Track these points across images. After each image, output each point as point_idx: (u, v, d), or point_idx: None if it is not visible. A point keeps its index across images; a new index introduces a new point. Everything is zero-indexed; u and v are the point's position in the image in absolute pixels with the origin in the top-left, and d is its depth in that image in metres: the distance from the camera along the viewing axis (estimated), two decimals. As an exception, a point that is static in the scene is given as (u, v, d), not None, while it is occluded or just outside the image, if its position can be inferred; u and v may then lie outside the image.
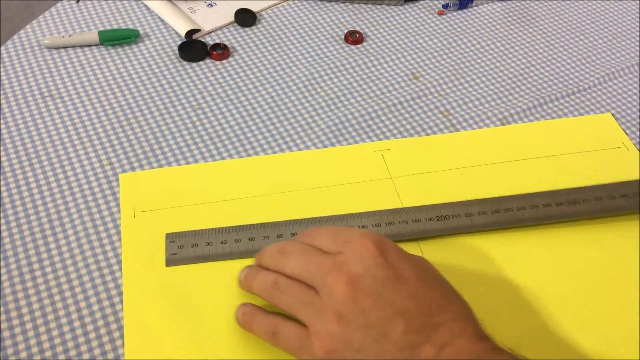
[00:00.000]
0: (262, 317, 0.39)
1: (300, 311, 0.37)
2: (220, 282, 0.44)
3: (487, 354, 0.35)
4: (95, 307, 0.43)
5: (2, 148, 0.52)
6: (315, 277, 0.37)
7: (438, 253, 0.46)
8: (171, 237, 0.46)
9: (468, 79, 0.60)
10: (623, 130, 0.56)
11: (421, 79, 0.60)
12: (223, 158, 0.52)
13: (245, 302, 0.41)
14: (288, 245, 0.40)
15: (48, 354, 0.40)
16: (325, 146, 0.53)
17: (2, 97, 0.56)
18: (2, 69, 0.58)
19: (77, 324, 0.42)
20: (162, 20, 0.64)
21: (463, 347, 0.35)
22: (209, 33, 0.63)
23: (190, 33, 0.61)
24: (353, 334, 0.35)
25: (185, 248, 0.45)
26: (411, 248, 0.44)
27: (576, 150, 0.54)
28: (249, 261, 0.43)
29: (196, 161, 0.52)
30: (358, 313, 0.35)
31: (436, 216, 0.47)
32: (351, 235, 0.39)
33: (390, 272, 0.37)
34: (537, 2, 0.69)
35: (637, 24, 0.67)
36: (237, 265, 0.44)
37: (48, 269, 0.44)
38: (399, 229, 0.46)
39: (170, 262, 0.45)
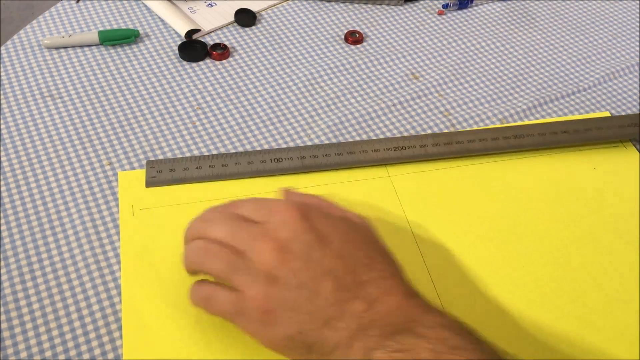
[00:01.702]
0: (196, 285, 0.40)
1: (233, 276, 0.38)
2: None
3: (417, 310, 0.36)
4: (95, 307, 0.43)
5: (2, 148, 0.52)
6: (243, 243, 0.38)
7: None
8: (151, 164, 0.50)
9: (468, 79, 0.60)
10: (623, 130, 0.56)
11: (421, 79, 0.60)
12: (223, 158, 0.52)
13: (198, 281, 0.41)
14: (209, 213, 0.41)
15: (48, 354, 0.40)
16: (325, 146, 0.53)
17: (2, 97, 0.56)
18: (2, 69, 0.58)
19: (77, 324, 0.42)
20: (162, 20, 0.64)
21: (393, 303, 0.36)
22: (209, 33, 0.63)
23: (190, 33, 0.61)
24: (287, 294, 0.36)
25: (164, 172, 0.49)
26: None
27: (574, 148, 0.54)
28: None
29: (196, 161, 0.52)
30: (289, 274, 0.37)
31: (394, 147, 0.51)
32: (276, 204, 0.40)
33: (315, 235, 0.38)
34: (537, 2, 0.69)
35: (637, 24, 0.67)
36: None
37: (48, 269, 0.44)
38: (359, 157, 0.51)
39: (149, 184, 0.49)
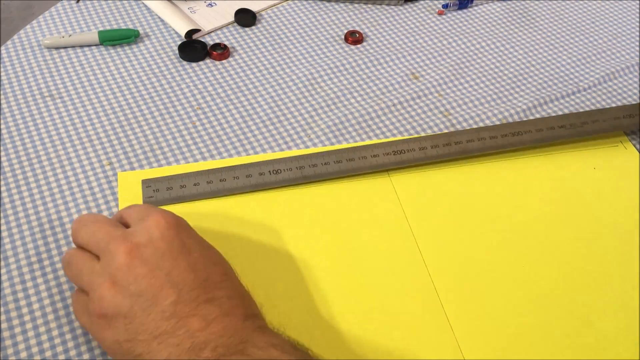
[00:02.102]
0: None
1: (82, 279, 0.38)
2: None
3: (251, 332, 0.36)
4: (95, 307, 0.43)
5: (2, 148, 0.52)
6: (100, 245, 0.38)
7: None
8: (147, 183, 0.48)
9: (468, 79, 0.60)
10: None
11: (421, 79, 0.60)
12: (223, 158, 0.52)
13: None
14: (85, 216, 0.41)
15: (48, 354, 0.40)
16: (325, 146, 0.53)
17: (2, 97, 0.56)
18: (2, 69, 0.58)
19: (77, 324, 0.42)
20: (162, 20, 0.64)
21: (229, 324, 0.36)
22: (209, 33, 0.63)
23: (190, 33, 0.61)
24: (123, 300, 0.36)
25: (161, 191, 0.48)
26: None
27: (574, 148, 0.54)
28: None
29: (196, 161, 0.52)
30: (131, 280, 0.36)
31: (393, 151, 0.51)
32: (151, 211, 0.39)
33: (175, 246, 0.37)
34: (537, 2, 0.69)
35: (637, 24, 0.67)
36: (236, 264, 0.45)
37: (48, 269, 0.44)
38: (359, 164, 0.50)
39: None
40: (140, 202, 0.48)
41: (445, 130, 0.55)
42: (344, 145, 0.53)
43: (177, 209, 0.48)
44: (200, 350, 0.34)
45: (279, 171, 0.49)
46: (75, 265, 0.39)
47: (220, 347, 0.34)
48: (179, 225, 0.39)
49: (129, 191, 0.49)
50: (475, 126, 0.56)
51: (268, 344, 0.35)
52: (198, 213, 0.47)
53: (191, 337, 0.35)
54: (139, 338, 0.35)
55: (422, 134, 0.55)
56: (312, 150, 0.53)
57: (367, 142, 0.53)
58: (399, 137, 0.54)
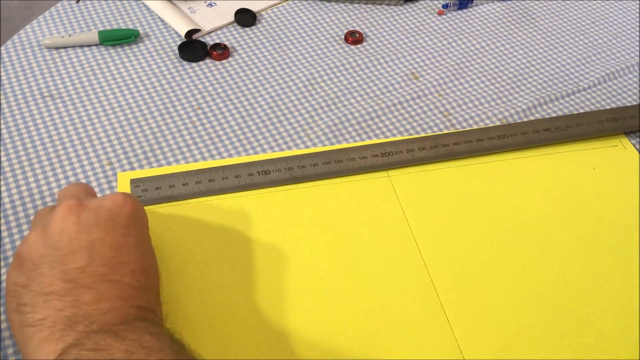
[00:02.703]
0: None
1: (33, 221, 0.40)
2: (222, 279, 0.44)
3: (131, 317, 0.35)
4: (95, 307, 0.43)
5: (2, 148, 0.52)
6: (60, 199, 0.41)
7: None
8: (135, 182, 0.48)
9: (468, 79, 0.60)
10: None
11: (421, 79, 0.60)
12: (223, 158, 0.52)
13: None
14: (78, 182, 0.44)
15: (48, 353, 0.40)
16: (325, 146, 0.53)
17: (2, 97, 0.56)
18: (2, 69, 0.58)
19: (77, 324, 0.42)
20: (162, 20, 0.64)
21: (118, 306, 0.35)
22: (209, 33, 0.63)
23: (190, 33, 0.61)
24: (40, 248, 0.36)
25: (149, 191, 0.48)
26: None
27: (573, 148, 0.54)
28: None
29: (196, 161, 0.52)
30: (56, 232, 0.37)
31: (381, 153, 0.51)
32: (121, 192, 0.42)
33: (115, 222, 0.38)
34: (537, 2, 0.69)
35: (637, 24, 0.67)
36: (236, 264, 0.45)
37: (48, 269, 0.44)
38: (347, 165, 0.50)
39: None
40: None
41: (446, 130, 0.55)
42: (334, 146, 0.53)
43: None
44: (75, 324, 0.34)
45: (268, 172, 0.50)
46: (43, 210, 0.41)
47: (95, 324, 0.34)
48: (134, 214, 0.39)
49: (128, 191, 0.49)
50: (475, 126, 0.56)
51: (143, 329, 0.34)
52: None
53: (75, 307, 0.34)
54: (32, 287, 0.35)
55: (422, 134, 0.55)
56: (302, 151, 0.52)
57: (357, 143, 0.53)
58: (390, 139, 0.54)
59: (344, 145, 0.53)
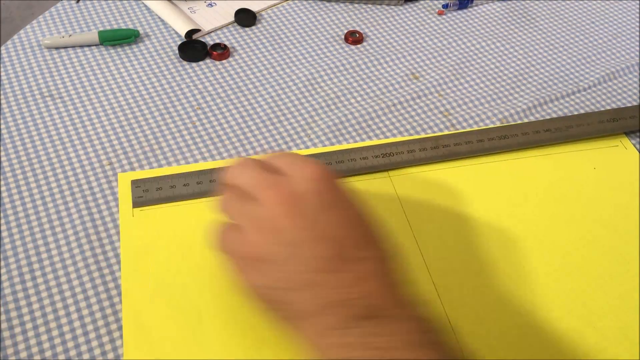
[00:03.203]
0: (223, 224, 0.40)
1: (238, 217, 0.38)
2: (221, 280, 0.44)
3: (391, 301, 0.36)
4: (95, 307, 0.43)
5: (2, 148, 0.52)
6: (258, 189, 0.38)
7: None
8: (136, 183, 0.48)
9: (468, 79, 0.60)
10: (623, 130, 0.56)
11: (421, 79, 0.60)
12: (223, 158, 0.52)
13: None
14: (241, 161, 0.40)
15: (48, 354, 0.40)
16: (325, 146, 0.53)
17: (2, 97, 0.56)
18: (2, 69, 0.58)
19: (77, 324, 0.42)
20: (162, 20, 0.64)
21: (373, 287, 0.36)
22: (209, 33, 0.63)
23: (190, 33, 0.61)
24: (279, 248, 0.36)
25: (150, 192, 0.48)
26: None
27: (574, 148, 0.54)
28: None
29: (196, 161, 0.52)
30: (290, 229, 0.36)
31: (381, 154, 0.51)
32: (307, 161, 0.39)
33: (331, 200, 0.37)
34: (537, 2, 0.69)
35: (637, 24, 0.67)
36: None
37: (48, 269, 0.44)
38: (348, 166, 0.50)
39: (136, 204, 0.47)
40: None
41: (446, 131, 0.55)
42: (334, 147, 0.53)
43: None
44: (340, 307, 0.35)
45: None
46: (231, 206, 0.39)
47: (357, 308, 0.35)
48: (332, 179, 0.39)
49: (128, 192, 0.49)
50: (475, 126, 0.56)
51: (404, 317, 0.35)
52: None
53: (338, 292, 0.35)
54: (289, 286, 0.36)
55: (422, 135, 0.55)
56: (303, 151, 0.52)
57: (357, 144, 0.53)
58: (390, 140, 0.54)
59: (345, 145, 0.53)
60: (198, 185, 0.49)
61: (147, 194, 0.48)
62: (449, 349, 0.36)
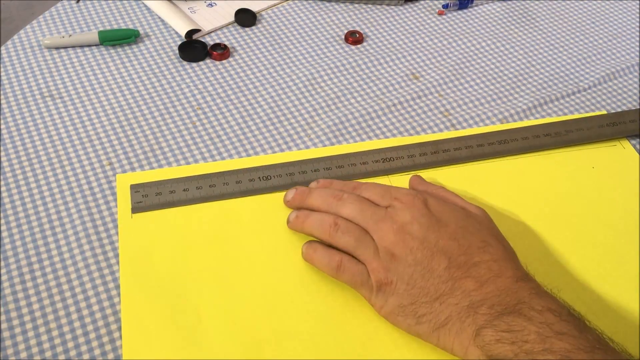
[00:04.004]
0: (324, 251, 0.44)
1: (357, 249, 0.42)
2: (220, 281, 0.44)
3: (527, 294, 0.38)
4: (95, 307, 0.43)
5: (2, 148, 0.52)
6: (370, 223, 0.43)
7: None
8: (136, 188, 0.48)
9: (468, 79, 0.60)
10: (623, 130, 0.56)
11: (421, 79, 0.60)
12: (223, 158, 0.52)
13: (309, 240, 0.45)
14: (343, 194, 0.45)
15: (48, 354, 0.40)
16: (325, 146, 0.53)
17: (2, 97, 0.56)
18: (2, 69, 0.58)
19: (77, 324, 0.42)
20: (162, 20, 0.64)
21: (502, 285, 0.39)
22: (209, 33, 0.63)
23: (190, 33, 0.61)
24: (404, 269, 0.40)
25: (150, 197, 0.48)
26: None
27: (573, 147, 0.54)
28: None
29: (196, 161, 0.52)
30: (407, 252, 0.41)
31: (381, 159, 0.51)
32: (398, 192, 0.44)
33: (433, 219, 0.42)
34: (537, 2, 0.69)
35: (637, 24, 0.67)
36: (235, 265, 0.45)
37: (48, 269, 0.44)
38: (348, 171, 0.51)
39: (135, 210, 0.47)
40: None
41: (446, 131, 0.55)
42: (335, 147, 0.53)
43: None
44: (478, 307, 0.38)
45: (269, 177, 0.49)
46: (349, 234, 0.43)
47: (497, 305, 0.38)
48: (429, 199, 0.44)
49: (127, 193, 0.49)
50: (475, 126, 0.56)
51: (545, 307, 0.37)
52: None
53: (468, 296, 0.39)
54: (421, 300, 0.40)
55: (422, 135, 0.55)
56: (303, 154, 0.52)
57: (358, 145, 0.53)
58: (390, 142, 0.53)
59: (345, 146, 0.53)
60: (198, 190, 0.48)
61: (147, 199, 0.48)
62: (596, 335, 0.37)
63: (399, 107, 0.57)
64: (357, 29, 0.64)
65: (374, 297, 0.42)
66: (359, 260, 0.42)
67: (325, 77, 0.59)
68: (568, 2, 0.69)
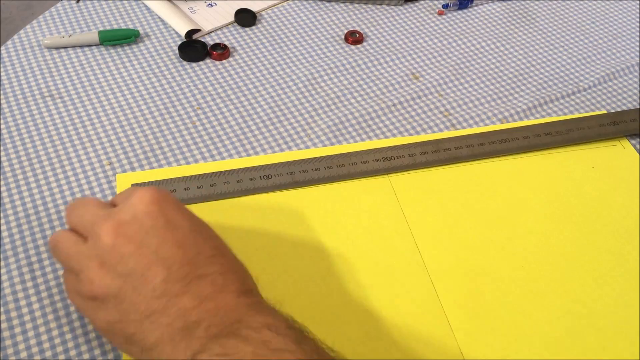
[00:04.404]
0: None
1: (70, 261, 0.37)
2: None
3: (245, 311, 0.35)
4: (95, 307, 0.43)
5: (2, 148, 0.52)
6: (87, 226, 0.37)
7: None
8: (135, 186, 0.47)
9: (468, 79, 0.60)
10: (623, 130, 0.56)
11: (421, 79, 0.60)
12: (223, 158, 0.52)
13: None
14: (77, 200, 0.40)
15: (48, 354, 0.40)
16: (325, 146, 0.53)
17: (2, 97, 0.56)
18: (2, 69, 0.58)
19: (77, 324, 0.42)
20: (162, 20, 0.64)
21: (222, 301, 0.35)
22: (209, 33, 0.63)
23: (190, 33, 0.61)
24: (112, 281, 0.35)
25: None
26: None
27: (573, 147, 0.54)
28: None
29: (196, 161, 0.52)
30: (118, 260, 0.35)
31: (382, 157, 0.51)
32: (136, 189, 0.38)
33: (161, 221, 0.36)
34: (537, 2, 0.69)
35: (637, 24, 0.67)
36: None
37: (48, 269, 0.44)
38: (349, 170, 0.50)
39: None
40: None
41: (446, 131, 0.55)
42: (335, 147, 0.53)
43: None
44: (194, 330, 0.34)
45: (270, 176, 0.49)
46: (62, 245, 0.38)
47: (213, 327, 0.34)
48: (165, 199, 0.37)
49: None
50: (475, 126, 0.56)
51: (262, 324, 0.34)
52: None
53: (183, 316, 0.34)
54: (130, 318, 0.34)
55: (423, 134, 0.55)
56: (304, 153, 0.52)
57: (358, 145, 0.53)
58: (391, 142, 0.53)
59: (345, 146, 0.53)
60: (199, 190, 0.48)
61: None
62: (314, 346, 0.34)
63: (399, 107, 0.57)
64: (357, 29, 0.64)
65: (85, 309, 0.37)
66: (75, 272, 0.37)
67: (325, 77, 0.59)
68: (568, 2, 0.70)
